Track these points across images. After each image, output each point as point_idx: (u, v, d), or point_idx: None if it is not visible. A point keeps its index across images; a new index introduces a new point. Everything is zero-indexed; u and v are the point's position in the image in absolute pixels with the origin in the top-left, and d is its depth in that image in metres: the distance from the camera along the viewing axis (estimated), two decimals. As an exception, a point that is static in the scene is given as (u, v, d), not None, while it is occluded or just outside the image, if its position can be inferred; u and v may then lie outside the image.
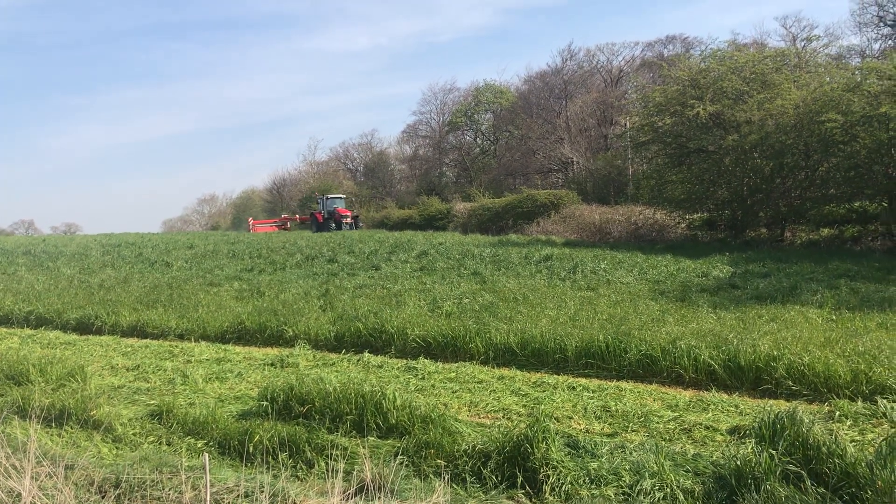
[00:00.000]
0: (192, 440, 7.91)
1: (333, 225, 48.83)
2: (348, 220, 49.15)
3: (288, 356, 11.69)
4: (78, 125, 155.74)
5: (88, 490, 5.89)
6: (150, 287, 19.43)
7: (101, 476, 6.07)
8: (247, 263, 25.31)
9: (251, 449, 7.31)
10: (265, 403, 8.43)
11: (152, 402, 9.32)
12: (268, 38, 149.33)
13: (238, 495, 5.47)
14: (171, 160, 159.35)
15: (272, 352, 12.43)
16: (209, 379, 10.59)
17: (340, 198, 53.64)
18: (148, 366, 11.54)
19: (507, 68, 74.87)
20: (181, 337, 13.90)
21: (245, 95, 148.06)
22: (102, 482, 6.01)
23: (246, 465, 6.86)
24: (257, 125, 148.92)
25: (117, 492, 5.79)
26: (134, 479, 5.88)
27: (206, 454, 5.24)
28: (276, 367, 11.18)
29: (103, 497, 5.74)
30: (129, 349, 13.20)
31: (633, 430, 7.62)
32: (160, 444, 7.90)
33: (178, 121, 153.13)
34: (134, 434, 8.15)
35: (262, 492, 5.21)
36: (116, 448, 7.81)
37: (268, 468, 6.73)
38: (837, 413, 7.54)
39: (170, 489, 5.76)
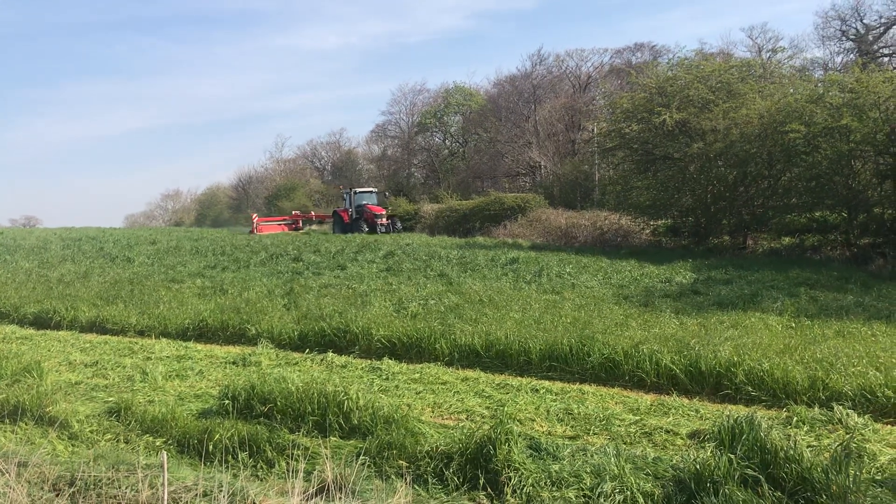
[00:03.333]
0: (151, 438, 7.79)
1: (365, 227, 39.13)
2: (383, 220, 39.37)
3: (250, 355, 11.57)
4: (40, 118, 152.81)
5: (42, 488, 5.76)
6: (111, 282, 19.12)
7: (55, 474, 5.94)
8: (210, 260, 25.03)
9: (211, 448, 7.22)
10: (226, 402, 8.33)
11: (110, 399, 9.16)
12: (237, 36, 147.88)
13: (196, 494, 5.40)
14: (135, 155, 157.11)
15: (234, 350, 12.30)
16: (169, 376, 10.44)
17: (371, 192, 43.78)
18: (107, 362, 11.35)
19: (476, 71, 75.32)
20: (141, 333, 13.71)
21: (213, 92, 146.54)
22: (57, 480, 5.89)
23: (205, 464, 6.77)
24: (225, 122, 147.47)
25: (72, 490, 5.67)
26: (89, 477, 5.76)
27: (165, 452, 5.16)
28: (238, 366, 11.06)
29: (57, 495, 5.62)
30: (88, 345, 12.97)
31: (595, 433, 7.67)
32: (118, 441, 7.78)
33: (144, 116, 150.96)
34: (91, 431, 8.00)
35: (221, 491, 5.15)
36: (72, 445, 7.65)
37: (227, 467, 6.66)
38: (795, 419, 7.66)
39: (126, 487, 5.66)
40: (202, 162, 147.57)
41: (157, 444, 7.64)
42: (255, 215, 44.97)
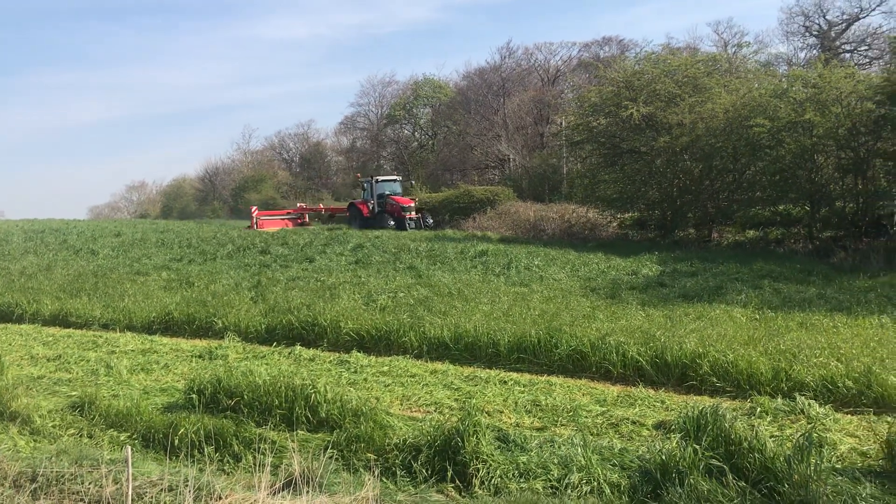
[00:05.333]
0: (115, 433, 7.70)
1: (391, 221, 34.45)
2: (412, 213, 34.56)
3: (217, 348, 11.49)
4: (1, 108, 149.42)
5: (2, 484, 5.67)
6: (75, 275, 18.82)
7: (16, 470, 5.84)
8: (176, 253, 24.75)
9: (177, 442, 7.16)
10: (192, 396, 8.27)
11: (74, 393, 9.04)
12: (204, 25, 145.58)
13: (161, 489, 5.34)
14: (99, 146, 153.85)
15: (201, 343, 12.19)
16: (134, 370, 10.34)
17: (395, 180, 38.58)
18: (70, 356, 11.18)
19: (446, 64, 75.20)
20: (106, 327, 13.53)
21: (179, 82, 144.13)
22: (18, 476, 5.79)
23: (171, 459, 6.71)
24: (191, 113, 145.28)
25: (33, 486, 5.58)
26: (51, 472, 5.67)
27: (129, 447, 5.10)
28: (204, 359, 10.97)
29: (18, 491, 5.53)
30: (51, 339, 12.78)
31: (563, 425, 7.73)
32: (81, 436, 7.67)
33: (108, 106, 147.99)
34: (53, 426, 7.88)
35: (187, 486, 5.10)
36: (34, 441, 7.53)
37: (193, 462, 6.60)
38: (758, 409, 7.79)
39: (90, 483, 5.59)
40: (168, 153, 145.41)
41: (122, 438, 7.56)
42: (254, 209, 39.59)
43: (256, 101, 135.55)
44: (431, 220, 35.38)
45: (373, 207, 36.02)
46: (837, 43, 45.78)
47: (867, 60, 43.30)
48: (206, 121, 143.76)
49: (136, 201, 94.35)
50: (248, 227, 36.78)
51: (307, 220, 40.63)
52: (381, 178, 38.00)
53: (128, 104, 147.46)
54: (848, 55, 44.52)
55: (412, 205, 35.20)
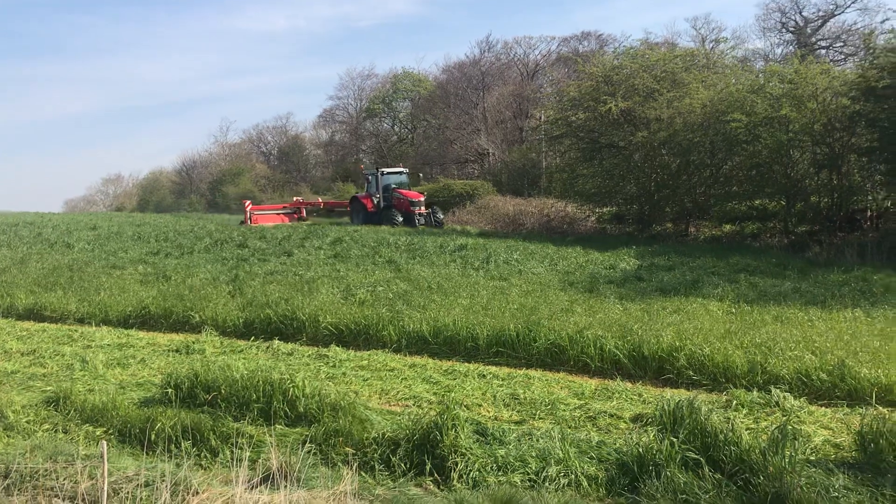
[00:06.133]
0: (91, 428, 7.62)
1: (399, 217, 31.60)
2: (422, 208, 31.99)
3: (194, 342, 11.40)
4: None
5: (-25, 480, 5.59)
6: (50, 269, 18.60)
7: (-11, 466, 5.77)
8: (152, 246, 24.54)
9: (153, 437, 7.09)
10: (169, 390, 8.20)
11: (48, 388, 8.94)
12: (181, 16, 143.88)
13: (138, 484, 5.30)
14: (75, 139, 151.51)
15: (178, 338, 12.10)
16: (110, 365, 10.24)
17: (402, 172, 35.43)
18: (45, 351, 11.06)
19: (425, 57, 75.03)
20: (81, 321, 13.40)
21: (157, 75, 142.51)
22: (-9, 472, 5.72)
23: (147, 454, 6.66)
24: (168, 105, 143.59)
25: (7, 482, 5.52)
26: (25, 468, 5.61)
27: (105, 442, 5.05)
28: (181, 354, 10.90)
29: (-9, 488, 5.47)
30: (25, 333, 12.64)
31: (541, 418, 7.76)
32: (56, 432, 7.57)
33: (84, 98, 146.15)
34: (27, 422, 7.77)
35: (164, 481, 5.06)
36: (8, 436, 7.43)
37: (171, 457, 6.55)
38: (734, 402, 7.87)
39: (64, 478, 5.53)
40: (145, 146, 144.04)
41: (98, 433, 7.47)
42: (247, 203, 37.42)
43: (234, 94, 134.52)
44: (442, 216, 32.62)
45: (378, 202, 33.23)
46: (813, 39, 46.20)
47: (842, 57, 43.73)
48: (184, 113, 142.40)
49: (112, 194, 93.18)
50: (241, 222, 34.86)
51: (304, 214, 38.27)
52: (386, 169, 34.74)
53: (105, 96, 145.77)
54: (824, 51, 44.94)
55: (422, 199, 32.57)
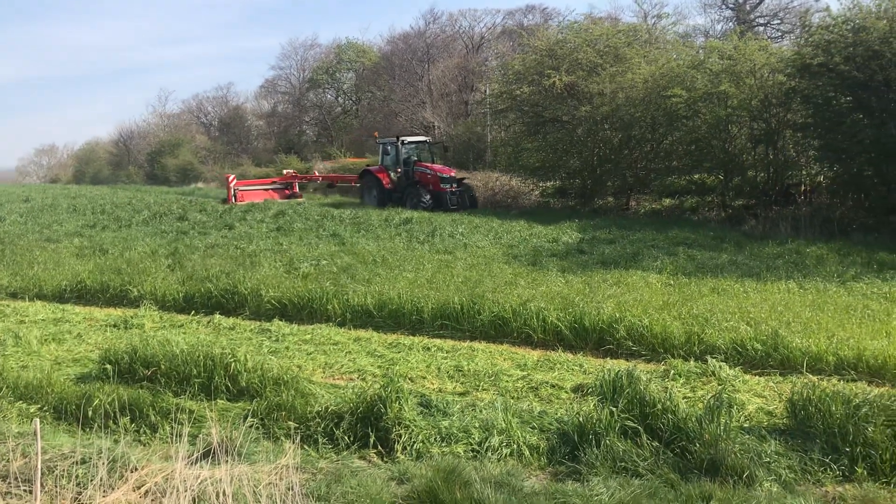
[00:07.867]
0: (24, 405, 7.41)
1: (427, 196, 26.47)
2: (453, 186, 27.00)
3: (132, 317, 11.18)
4: None
5: None
6: (-22, 242, 17.97)
7: (-85, 446, 5.57)
8: (89, 219, 23.91)
9: (90, 414, 6.94)
10: (107, 366, 8.04)
11: (-21, 365, 8.65)
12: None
13: (74, 462, 5.18)
14: (4, 107, 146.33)
15: (115, 312, 11.84)
16: (45, 340, 9.97)
17: (424, 141, 30.48)
18: (-26, 327, 10.70)
19: (370, 27, 74.08)
20: (14, 296, 13.01)
21: (88, 41, 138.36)
22: (-83, 453, 5.53)
23: (84, 431, 6.53)
24: (103, 74, 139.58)
25: (-65, 462, 5.34)
26: (-45, 448, 5.44)
27: (38, 419, 4.92)
28: (119, 329, 10.67)
29: (-82, 469, 5.29)
30: (-47, 309, 12.19)
31: (484, 389, 7.84)
32: (-13, 410, 7.36)
33: (13, 65, 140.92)
34: (-44, 400, 7.54)
35: (101, 457, 4.96)
36: (-64, 416, 7.20)
37: (108, 433, 6.42)
38: (672, 372, 8.06)
39: (-4, 458, 5.38)
40: (79, 115, 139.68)
41: (32, 411, 7.28)
42: (231, 177, 32.39)
43: (172, 63, 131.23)
44: (475, 193, 28.43)
45: (398, 178, 28.11)
46: (752, 16, 46.99)
47: (779, 34, 44.62)
48: (119, 82, 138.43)
49: (46, 166, 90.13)
50: (224, 200, 30.31)
51: (297, 190, 33.65)
52: (408, 139, 29.29)
53: (34, 64, 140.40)
54: (762, 28, 45.79)
55: (453, 175, 27.70)
